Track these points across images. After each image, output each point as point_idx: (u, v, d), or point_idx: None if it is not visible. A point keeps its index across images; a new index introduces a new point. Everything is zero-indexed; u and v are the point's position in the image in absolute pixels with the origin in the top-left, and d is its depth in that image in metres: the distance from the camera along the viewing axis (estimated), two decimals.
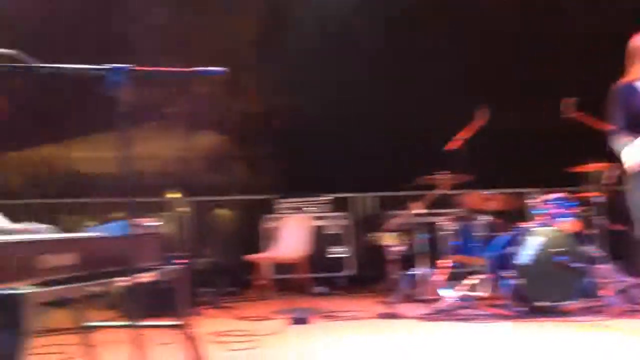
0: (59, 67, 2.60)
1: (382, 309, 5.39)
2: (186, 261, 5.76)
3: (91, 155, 10.10)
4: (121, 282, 2.41)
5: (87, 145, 10.13)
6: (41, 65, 2.49)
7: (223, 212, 8.93)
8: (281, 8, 9.13)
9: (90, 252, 2.48)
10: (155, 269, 2.72)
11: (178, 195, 8.28)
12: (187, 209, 8.05)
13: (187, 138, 10.19)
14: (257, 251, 6.64)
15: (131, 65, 2.55)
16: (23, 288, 1.98)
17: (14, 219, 2.81)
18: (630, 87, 4.07)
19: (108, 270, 2.50)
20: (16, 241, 2.23)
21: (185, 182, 9.55)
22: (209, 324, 4.95)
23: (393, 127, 8.76)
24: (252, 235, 7.47)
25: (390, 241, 6.15)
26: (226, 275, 6.87)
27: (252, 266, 6.29)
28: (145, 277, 2.59)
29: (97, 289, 2.33)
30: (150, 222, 3.18)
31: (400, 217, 6.42)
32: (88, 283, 2.26)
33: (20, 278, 2.07)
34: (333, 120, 9.21)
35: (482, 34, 8.34)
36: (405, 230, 6.28)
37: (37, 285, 2.10)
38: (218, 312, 5.62)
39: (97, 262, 2.50)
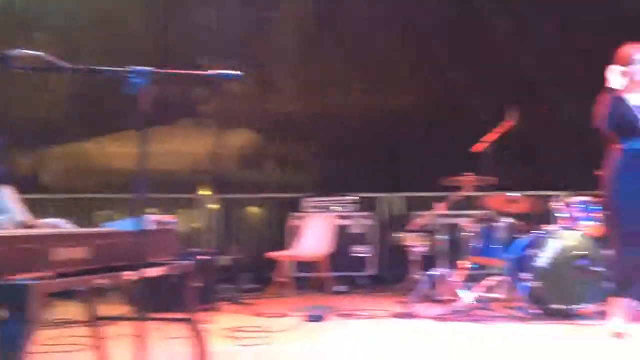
0: (82, 69, 2.74)
1: (400, 308, 5.44)
2: (207, 257, 5.92)
3: (128, 151, 10.34)
4: (129, 276, 2.53)
5: (123, 142, 10.37)
6: (66, 66, 2.62)
7: (253, 210, 9.08)
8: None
9: (101, 247, 2.60)
10: (165, 264, 2.83)
11: (209, 192, 8.45)
12: (217, 206, 8.21)
13: (220, 136, 10.35)
14: (282, 249, 6.75)
15: (151, 67, 2.67)
16: (30, 279, 2.10)
17: (48, 213, 2.96)
18: (620, 99, 4.21)
19: (118, 264, 2.63)
20: (29, 234, 2.37)
21: (217, 179, 9.74)
22: (227, 320, 5.08)
23: (422, 126, 8.79)
24: (279, 233, 7.59)
25: (413, 241, 6.19)
26: (249, 272, 6.99)
27: (275, 264, 6.40)
28: (155, 272, 2.71)
29: (104, 281, 2.45)
30: (166, 219, 3.30)
31: (423, 218, 6.46)
32: (94, 276, 2.38)
33: (32, 270, 2.19)
34: (364, 120, 9.29)
35: (512, 35, 8.30)
36: (429, 231, 6.31)
37: (47, 277, 2.22)
38: (238, 309, 5.74)
39: (109, 256, 2.62)
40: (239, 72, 2.64)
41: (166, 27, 9.07)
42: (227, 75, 2.61)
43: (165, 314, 3.29)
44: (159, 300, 4.12)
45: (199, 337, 2.99)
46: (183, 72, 2.62)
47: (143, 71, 2.60)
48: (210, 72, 2.58)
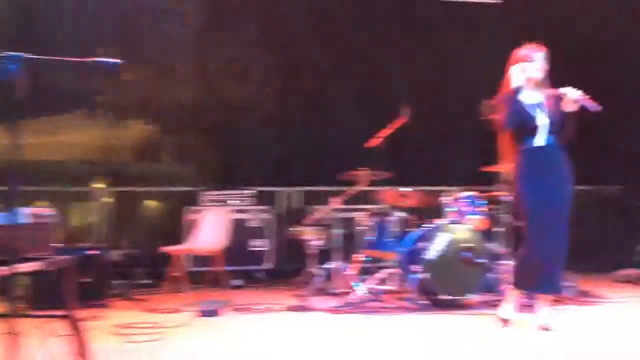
0: None
1: (296, 302, 5.47)
2: (97, 252, 5.73)
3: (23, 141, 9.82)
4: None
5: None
6: None
7: (148, 203, 8.85)
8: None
9: None
10: (40, 259, 2.71)
11: (102, 185, 8.16)
12: (111, 199, 7.95)
13: (115, 127, 10.03)
14: (178, 243, 6.61)
15: (26, 53, 2.54)
16: None
17: None
18: (513, 98, 4.38)
19: None
20: None
21: (111, 171, 9.42)
22: (117, 316, 4.94)
23: (319, 123, 8.89)
24: (174, 227, 7.43)
25: (309, 235, 6.23)
26: (142, 267, 6.81)
27: (170, 258, 6.26)
28: (28, 267, 2.59)
29: None
30: (44, 212, 3.15)
31: (320, 212, 6.52)
32: None
33: None
34: (263, 112, 9.28)
35: (408, 31, 8.52)
36: (325, 225, 6.37)
37: None
38: (129, 304, 5.59)
39: None
40: (117, 60, 2.57)
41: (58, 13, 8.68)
42: (106, 62, 2.53)
43: (47, 310, 3.14)
44: (42, 296, 3.94)
45: (78, 335, 2.88)
46: (58, 58, 2.51)
47: (17, 56, 2.47)
48: (87, 58, 2.49)
